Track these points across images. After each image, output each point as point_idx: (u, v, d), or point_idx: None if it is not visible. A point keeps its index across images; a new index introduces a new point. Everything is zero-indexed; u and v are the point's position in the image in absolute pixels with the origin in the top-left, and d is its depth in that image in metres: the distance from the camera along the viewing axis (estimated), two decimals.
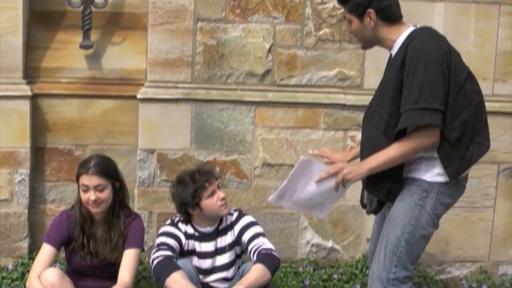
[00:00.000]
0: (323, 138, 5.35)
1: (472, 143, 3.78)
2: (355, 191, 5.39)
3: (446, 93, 3.66)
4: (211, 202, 4.46)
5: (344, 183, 3.80)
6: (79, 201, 4.35)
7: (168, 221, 4.64)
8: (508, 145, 5.46)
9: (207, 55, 5.23)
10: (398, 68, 3.71)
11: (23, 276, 5.01)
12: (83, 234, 4.34)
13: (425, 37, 3.76)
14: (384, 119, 3.75)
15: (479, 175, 5.42)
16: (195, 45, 5.21)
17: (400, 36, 3.81)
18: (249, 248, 4.49)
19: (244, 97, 5.29)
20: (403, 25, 3.88)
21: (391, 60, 3.87)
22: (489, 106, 5.33)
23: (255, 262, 4.34)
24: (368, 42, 3.94)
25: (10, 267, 5.12)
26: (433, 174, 3.77)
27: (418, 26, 3.88)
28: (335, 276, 5.36)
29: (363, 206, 4.15)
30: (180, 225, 4.55)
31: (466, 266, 5.61)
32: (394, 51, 3.82)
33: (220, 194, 4.49)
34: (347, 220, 5.49)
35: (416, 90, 3.61)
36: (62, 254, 4.57)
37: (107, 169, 4.37)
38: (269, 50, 5.29)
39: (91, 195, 4.27)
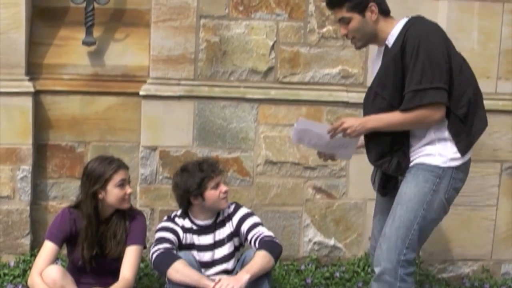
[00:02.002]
0: None
1: (475, 119, 3.99)
2: (357, 190, 5.41)
3: (449, 72, 3.87)
4: (215, 194, 4.50)
5: (346, 135, 4.01)
6: (90, 198, 4.29)
7: (165, 218, 4.68)
8: (511, 144, 5.45)
9: (210, 52, 5.22)
10: (397, 54, 3.89)
11: (24, 273, 5.00)
12: (90, 230, 4.32)
13: (422, 24, 3.97)
14: (386, 100, 3.95)
15: (482, 174, 5.41)
16: (198, 42, 5.20)
17: (395, 27, 4.00)
18: (249, 237, 4.52)
19: (246, 94, 5.28)
20: (394, 18, 4.07)
21: (387, 50, 4.01)
22: (492, 104, 5.35)
23: (258, 249, 4.36)
24: (367, 38, 4.07)
25: (12, 264, 5.11)
26: (447, 159, 3.95)
27: (410, 16, 4.05)
28: (337, 274, 5.35)
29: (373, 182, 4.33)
30: (177, 219, 4.59)
31: (468, 264, 5.60)
32: (390, 42, 3.98)
33: (224, 187, 4.55)
34: (349, 218, 5.48)
35: (418, 72, 3.82)
36: (64, 251, 4.57)
37: None
38: (272, 47, 5.28)
39: (128, 189, 4.34)
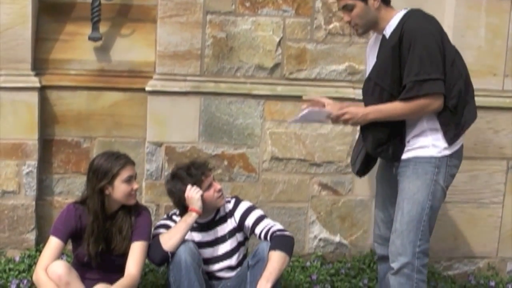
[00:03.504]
0: (332, 132, 5.34)
1: (465, 111, 4.19)
2: (362, 187, 5.40)
3: (443, 64, 4.03)
4: (209, 195, 4.51)
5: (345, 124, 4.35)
6: (97, 193, 4.29)
7: (164, 216, 4.72)
8: None
9: (217, 48, 5.21)
10: (395, 46, 4.10)
11: (30, 268, 5.01)
12: (96, 226, 4.32)
13: (419, 17, 4.19)
14: (386, 90, 4.16)
15: (488, 171, 5.41)
16: (204, 38, 5.19)
17: (394, 17, 4.21)
18: (257, 231, 4.54)
19: (253, 90, 5.27)
20: (394, 8, 4.29)
21: (385, 40, 4.21)
22: (498, 101, 5.34)
23: (272, 248, 4.35)
24: (369, 25, 4.27)
25: (17, 259, 5.12)
26: (441, 148, 4.17)
27: (409, 8, 4.26)
28: (343, 271, 5.35)
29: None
30: (175, 217, 4.61)
31: (474, 262, 5.59)
32: (388, 32, 4.19)
33: (217, 186, 4.55)
34: (355, 215, 5.48)
35: (417, 64, 4.03)
36: (69, 247, 4.57)
37: None
38: (279, 43, 5.27)
39: (134, 184, 4.35)
